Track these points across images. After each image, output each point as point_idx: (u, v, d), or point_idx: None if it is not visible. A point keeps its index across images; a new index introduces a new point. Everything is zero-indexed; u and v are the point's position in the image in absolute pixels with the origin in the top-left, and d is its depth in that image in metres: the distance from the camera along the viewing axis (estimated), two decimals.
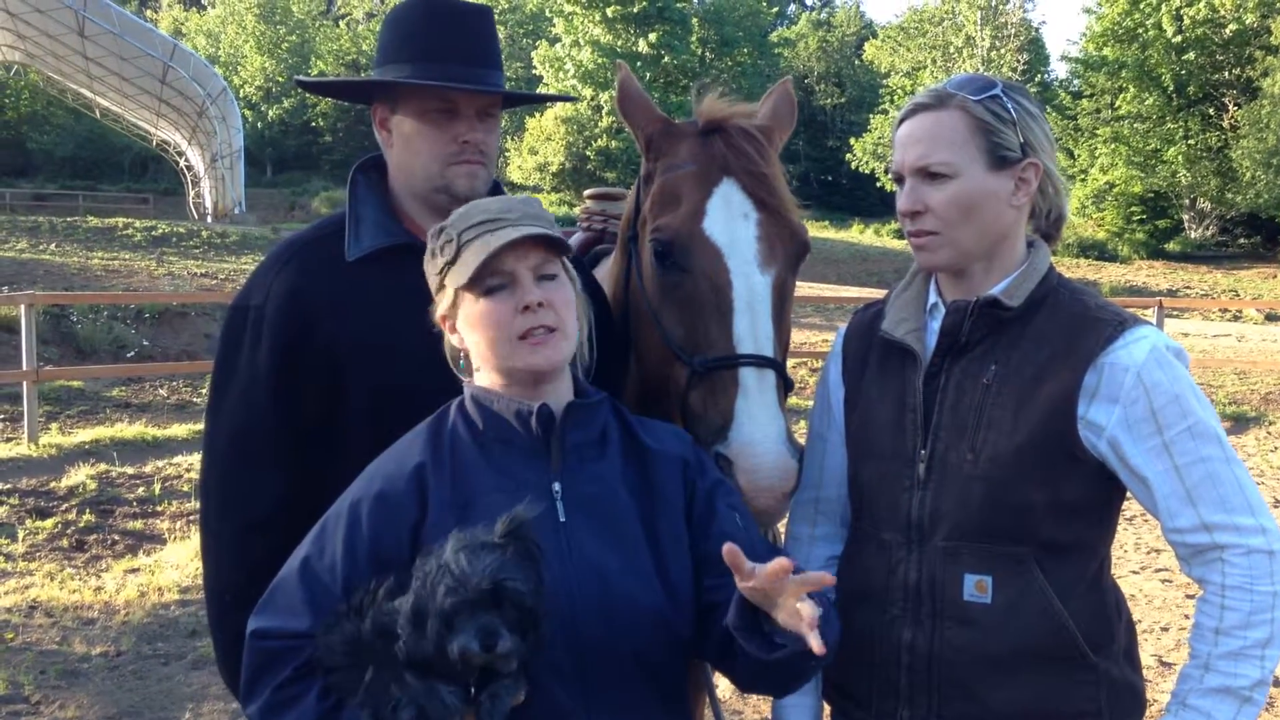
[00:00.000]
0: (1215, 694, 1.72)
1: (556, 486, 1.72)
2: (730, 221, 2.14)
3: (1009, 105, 1.87)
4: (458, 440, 1.75)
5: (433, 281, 1.82)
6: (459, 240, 1.73)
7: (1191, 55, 42.95)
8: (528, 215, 1.75)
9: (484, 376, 1.80)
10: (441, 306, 1.81)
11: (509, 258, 1.71)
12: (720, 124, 2.22)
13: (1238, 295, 33.28)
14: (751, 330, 2.07)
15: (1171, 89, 43.87)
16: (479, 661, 1.45)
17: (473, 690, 1.50)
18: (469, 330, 1.76)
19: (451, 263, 1.74)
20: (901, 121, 1.95)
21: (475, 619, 1.44)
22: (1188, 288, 35.15)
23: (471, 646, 1.43)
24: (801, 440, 2.14)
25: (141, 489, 8.88)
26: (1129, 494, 1.89)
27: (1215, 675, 1.73)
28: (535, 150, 52.01)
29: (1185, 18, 42.37)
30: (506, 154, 54.23)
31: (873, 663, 1.93)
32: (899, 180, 1.94)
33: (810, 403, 2.35)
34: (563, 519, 1.70)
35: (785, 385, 2.10)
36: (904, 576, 1.90)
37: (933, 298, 2.01)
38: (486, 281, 1.71)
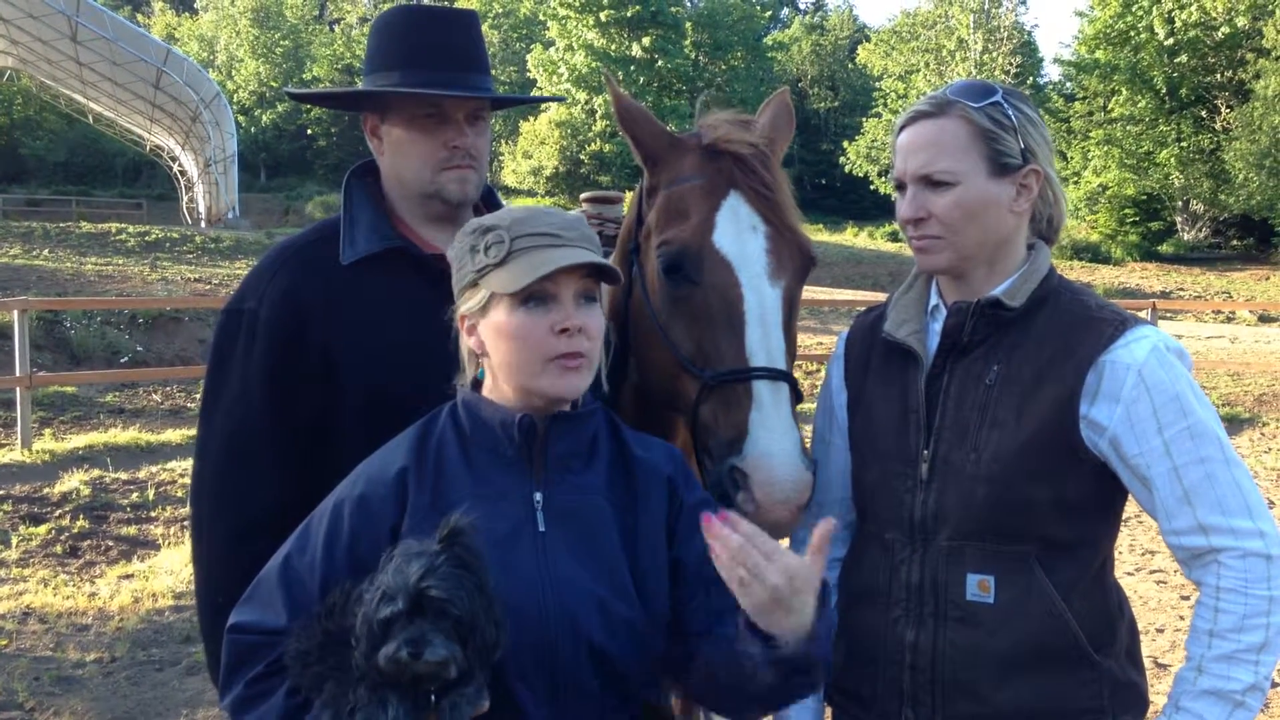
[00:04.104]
0: (1207, 696, 1.71)
1: (538, 497, 1.71)
2: (739, 234, 2.13)
3: (1010, 112, 1.87)
4: (444, 446, 1.74)
5: (464, 277, 1.74)
6: (511, 245, 1.68)
7: (1184, 58, 43.07)
8: (584, 238, 1.74)
9: (491, 384, 1.77)
10: (467, 305, 1.74)
11: (559, 277, 1.68)
12: (725, 139, 2.22)
13: (1231, 297, 33.36)
14: (764, 343, 2.06)
15: (1164, 91, 43.97)
16: (421, 669, 1.45)
17: (434, 699, 1.50)
18: (496, 338, 1.71)
19: (498, 265, 1.68)
20: (902, 129, 1.95)
21: (406, 628, 1.45)
22: (1181, 290, 35.23)
23: (400, 655, 1.44)
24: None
25: (135, 494, 8.86)
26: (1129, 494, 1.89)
27: (1208, 678, 1.72)
28: (529, 154, 52.03)
29: (1177, 20, 42.49)
30: (501, 158, 54.26)
31: (876, 663, 1.93)
32: (900, 187, 1.94)
33: (810, 405, 2.35)
34: (542, 529, 1.69)
35: (796, 397, 2.10)
36: (907, 577, 1.90)
37: (934, 299, 2.02)
38: (531, 291, 1.67)
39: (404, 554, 1.50)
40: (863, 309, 2.27)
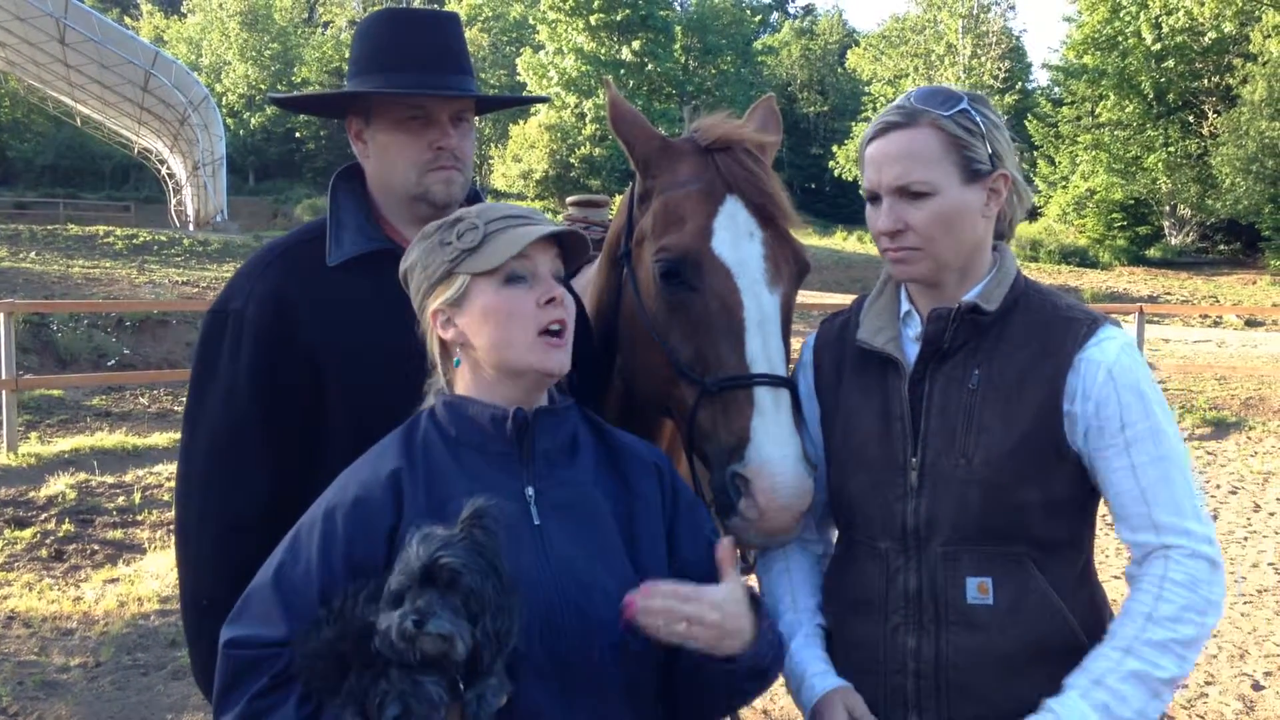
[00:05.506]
0: (1133, 679, 1.73)
1: (530, 491, 1.72)
2: (737, 240, 2.12)
3: (977, 118, 1.89)
4: (430, 447, 1.74)
5: (435, 272, 1.76)
6: (485, 229, 1.73)
7: (1171, 63, 43.25)
8: (546, 220, 1.80)
9: (469, 379, 1.78)
10: (441, 299, 1.76)
11: (535, 252, 1.74)
12: (722, 142, 2.21)
13: (1218, 301, 33.45)
14: (764, 349, 2.06)
15: (1151, 96, 44.15)
16: (426, 646, 1.44)
17: (461, 686, 1.50)
18: (482, 321, 1.73)
19: (473, 250, 1.72)
20: (871, 139, 1.95)
21: (414, 599, 1.45)
22: (1168, 294, 35.37)
23: (405, 625, 1.43)
24: None
25: (121, 498, 8.82)
26: None
27: (1136, 660, 1.74)
28: (519, 158, 51.99)
29: (1164, 25, 42.66)
30: (490, 161, 54.23)
31: (878, 672, 1.93)
32: (874, 199, 1.94)
33: None
34: (537, 522, 1.70)
35: (796, 404, 2.10)
36: (904, 584, 1.90)
37: (905, 306, 2.02)
38: (511, 269, 1.72)
39: (424, 536, 1.51)
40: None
